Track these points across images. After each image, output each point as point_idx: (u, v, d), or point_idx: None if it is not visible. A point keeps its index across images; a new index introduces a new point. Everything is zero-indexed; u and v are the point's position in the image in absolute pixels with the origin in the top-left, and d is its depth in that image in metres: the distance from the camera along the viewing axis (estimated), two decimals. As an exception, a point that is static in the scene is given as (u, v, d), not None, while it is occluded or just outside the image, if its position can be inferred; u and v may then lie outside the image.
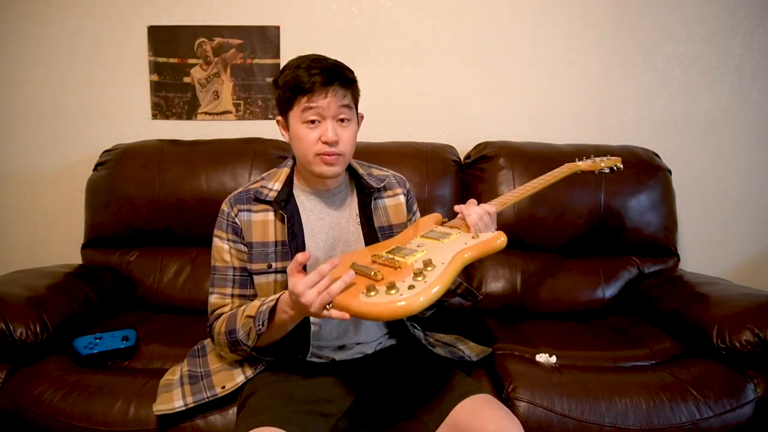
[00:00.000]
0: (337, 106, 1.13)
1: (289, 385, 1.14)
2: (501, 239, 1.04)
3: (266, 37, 2.04)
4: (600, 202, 1.79)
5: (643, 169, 1.84)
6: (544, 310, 1.75)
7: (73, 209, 2.04)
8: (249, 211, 1.21)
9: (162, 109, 2.09)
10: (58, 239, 2.15)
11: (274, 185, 1.23)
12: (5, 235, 2.18)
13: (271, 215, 1.21)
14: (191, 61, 2.06)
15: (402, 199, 1.32)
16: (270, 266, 1.19)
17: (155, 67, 2.06)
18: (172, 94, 2.08)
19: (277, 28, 2.04)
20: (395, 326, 1.30)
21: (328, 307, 0.95)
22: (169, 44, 2.05)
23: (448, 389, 1.11)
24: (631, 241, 1.82)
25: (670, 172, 1.90)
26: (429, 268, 0.96)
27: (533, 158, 1.84)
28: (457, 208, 1.17)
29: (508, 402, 1.27)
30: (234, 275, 1.22)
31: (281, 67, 1.20)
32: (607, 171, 1.52)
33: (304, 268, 1.04)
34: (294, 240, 1.19)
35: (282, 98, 1.16)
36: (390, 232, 1.27)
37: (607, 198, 1.79)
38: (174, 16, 2.03)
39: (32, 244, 2.17)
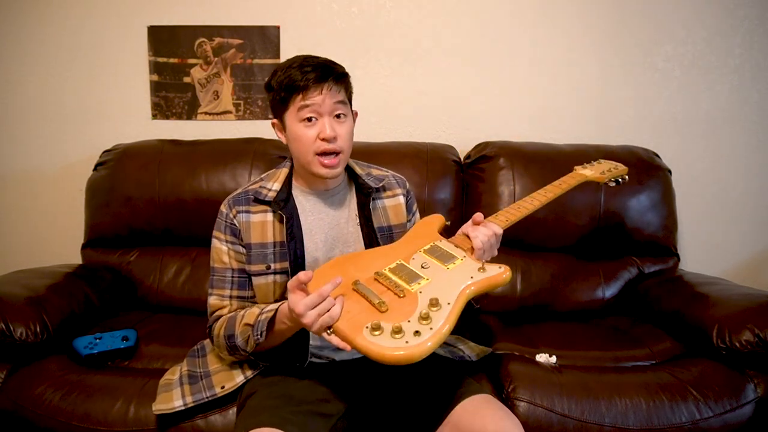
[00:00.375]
0: (333, 102, 1.13)
1: (289, 386, 1.14)
2: (506, 275, 1.05)
3: (266, 37, 2.04)
4: (600, 202, 1.79)
5: (643, 169, 1.84)
6: (544, 310, 1.75)
7: (73, 209, 2.04)
8: (248, 212, 1.21)
9: (162, 109, 2.09)
10: (58, 239, 2.15)
11: (273, 185, 1.22)
12: (5, 235, 2.18)
13: (269, 216, 1.21)
14: (191, 61, 2.06)
15: (401, 199, 1.32)
16: (269, 267, 1.19)
17: (155, 67, 2.06)
18: (172, 94, 2.08)
19: (277, 28, 2.04)
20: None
21: (329, 331, 0.96)
22: (169, 44, 2.05)
23: (448, 389, 1.11)
24: (631, 241, 1.82)
25: (670, 172, 1.90)
26: (434, 309, 0.96)
27: (533, 158, 1.84)
28: (464, 228, 1.15)
29: (508, 402, 1.27)
30: (232, 277, 1.22)
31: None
32: (613, 184, 1.48)
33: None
34: (293, 241, 1.18)
35: (276, 100, 1.16)
36: (389, 232, 1.27)
37: (607, 198, 1.79)
38: (174, 16, 2.03)
39: (32, 244, 2.17)
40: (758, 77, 2.04)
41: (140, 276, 1.81)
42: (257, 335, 1.08)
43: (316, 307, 0.96)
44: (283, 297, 1.20)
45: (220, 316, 1.20)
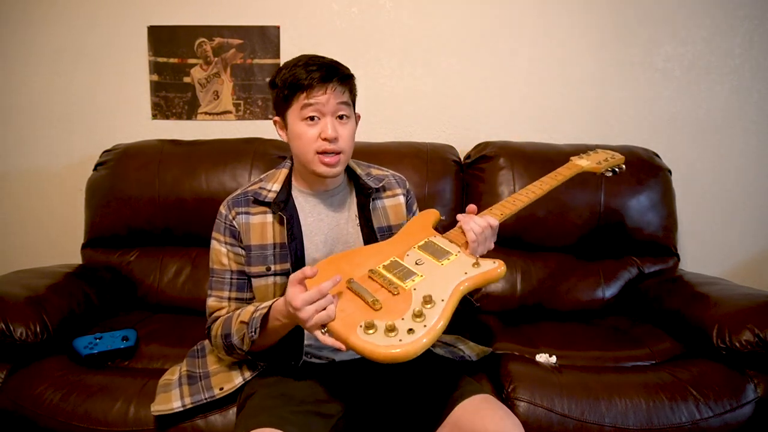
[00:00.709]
0: (336, 102, 1.13)
1: (289, 386, 1.14)
2: (500, 269, 1.04)
3: (266, 37, 2.04)
4: (600, 202, 1.79)
5: (643, 169, 1.84)
6: (544, 310, 1.75)
7: (73, 209, 2.04)
8: (247, 213, 1.20)
9: (162, 109, 2.09)
10: (58, 239, 2.15)
11: (272, 186, 1.22)
12: (5, 235, 2.18)
13: (269, 217, 1.20)
14: (191, 61, 2.06)
15: (401, 199, 1.32)
16: (269, 269, 1.19)
17: (155, 67, 2.06)
18: (172, 94, 2.08)
19: (277, 28, 2.04)
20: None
21: (323, 330, 0.96)
22: (169, 44, 2.05)
23: (448, 389, 1.11)
24: (631, 241, 1.82)
25: (670, 172, 1.90)
26: (428, 306, 0.96)
27: (533, 158, 1.83)
28: (459, 217, 1.15)
29: (508, 402, 1.27)
30: (231, 278, 1.22)
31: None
32: (609, 174, 1.47)
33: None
34: (293, 242, 1.18)
35: (280, 97, 1.16)
36: (389, 232, 1.27)
37: (607, 198, 1.79)
38: (174, 16, 2.03)
39: (32, 244, 2.17)
40: (758, 77, 2.04)
41: (140, 276, 1.81)
42: (251, 332, 1.08)
43: (314, 303, 0.95)
44: (282, 298, 1.20)
45: (218, 318, 1.20)
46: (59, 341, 1.41)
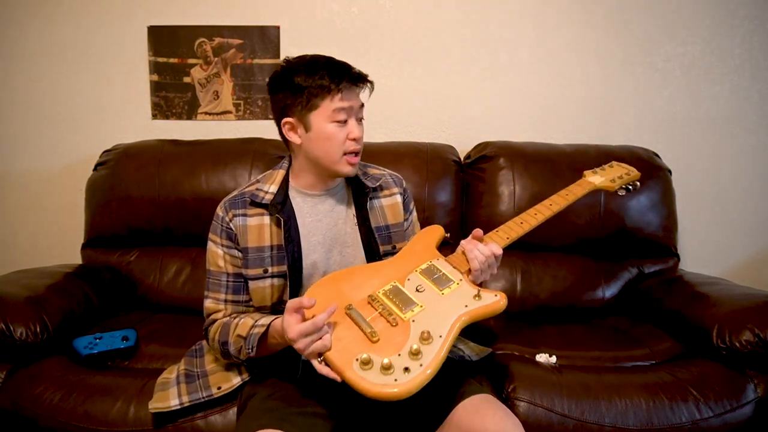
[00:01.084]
0: (359, 105, 1.18)
1: (290, 388, 1.14)
2: (502, 303, 1.05)
3: (266, 37, 2.04)
4: (600, 202, 1.79)
5: (643, 169, 1.82)
6: (544, 310, 1.75)
7: (73, 209, 2.04)
8: (244, 215, 1.20)
9: (162, 109, 2.09)
10: (58, 239, 2.15)
11: (269, 188, 1.22)
12: (5, 235, 2.18)
13: (266, 219, 1.20)
14: (191, 61, 2.06)
15: (398, 198, 1.32)
16: (266, 271, 1.19)
17: (155, 67, 2.06)
18: (172, 94, 2.08)
19: (277, 28, 2.04)
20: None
21: (320, 359, 0.97)
22: (169, 44, 2.05)
23: (449, 389, 1.11)
24: (631, 241, 1.82)
25: (670, 172, 1.90)
26: (426, 343, 0.96)
27: (533, 158, 1.83)
28: (463, 243, 1.15)
29: (508, 402, 1.27)
30: (227, 281, 1.21)
31: (279, 68, 1.19)
32: (623, 193, 1.43)
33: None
34: (290, 244, 1.18)
35: (302, 99, 1.14)
36: (387, 232, 1.27)
37: (607, 198, 1.79)
38: (174, 16, 2.03)
39: (32, 244, 2.17)
40: (758, 77, 2.04)
41: (140, 276, 1.81)
42: (248, 349, 1.09)
43: (309, 335, 0.97)
44: (280, 300, 1.20)
45: (215, 320, 1.21)
46: (59, 341, 1.41)
